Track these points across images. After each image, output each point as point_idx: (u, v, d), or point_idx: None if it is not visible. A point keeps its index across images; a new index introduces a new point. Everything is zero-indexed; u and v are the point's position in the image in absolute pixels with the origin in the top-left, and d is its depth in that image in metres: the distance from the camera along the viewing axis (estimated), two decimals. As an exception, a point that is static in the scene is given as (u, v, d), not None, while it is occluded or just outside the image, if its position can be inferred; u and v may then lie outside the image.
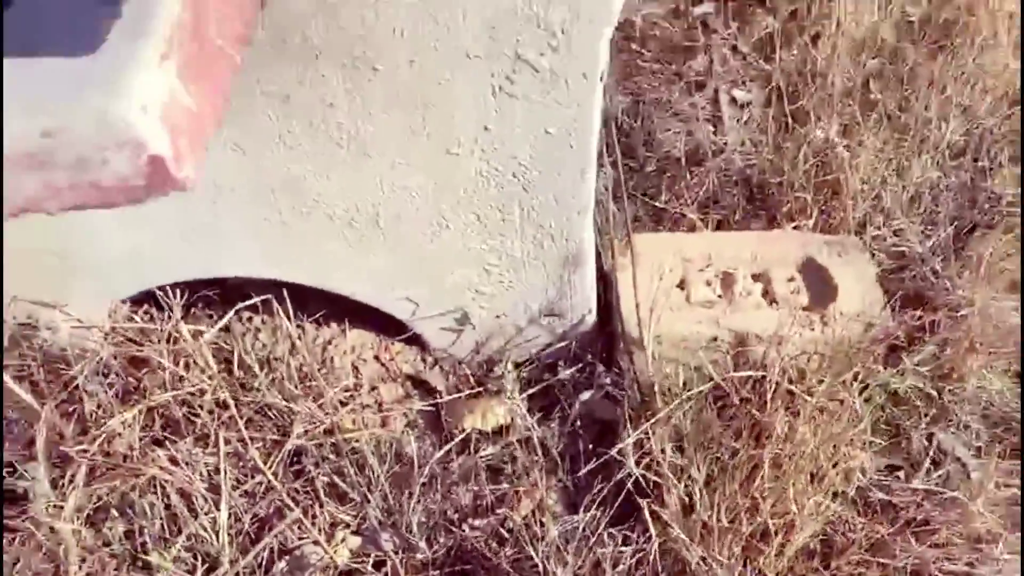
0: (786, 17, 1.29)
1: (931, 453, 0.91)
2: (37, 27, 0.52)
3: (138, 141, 0.46)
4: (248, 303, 0.90)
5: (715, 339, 0.90)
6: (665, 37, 1.31)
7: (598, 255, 0.94)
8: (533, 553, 0.79)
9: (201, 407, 0.88)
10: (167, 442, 0.86)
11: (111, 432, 0.83)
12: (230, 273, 0.87)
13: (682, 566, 0.80)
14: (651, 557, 0.80)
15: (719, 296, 0.94)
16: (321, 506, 0.86)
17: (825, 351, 0.90)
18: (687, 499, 0.81)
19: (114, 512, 0.84)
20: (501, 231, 0.80)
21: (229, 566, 0.81)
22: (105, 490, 0.85)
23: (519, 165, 0.74)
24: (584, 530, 0.82)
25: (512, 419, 0.87)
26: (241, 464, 0.87)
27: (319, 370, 0.93)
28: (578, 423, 0.90)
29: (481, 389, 0.93)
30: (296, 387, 0.89)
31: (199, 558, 0.83)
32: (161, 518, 0.84)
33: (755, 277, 0.96)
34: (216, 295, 0.96)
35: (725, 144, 1.15)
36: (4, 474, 0.85)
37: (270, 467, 0.85)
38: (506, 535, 0.84)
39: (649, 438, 0.82)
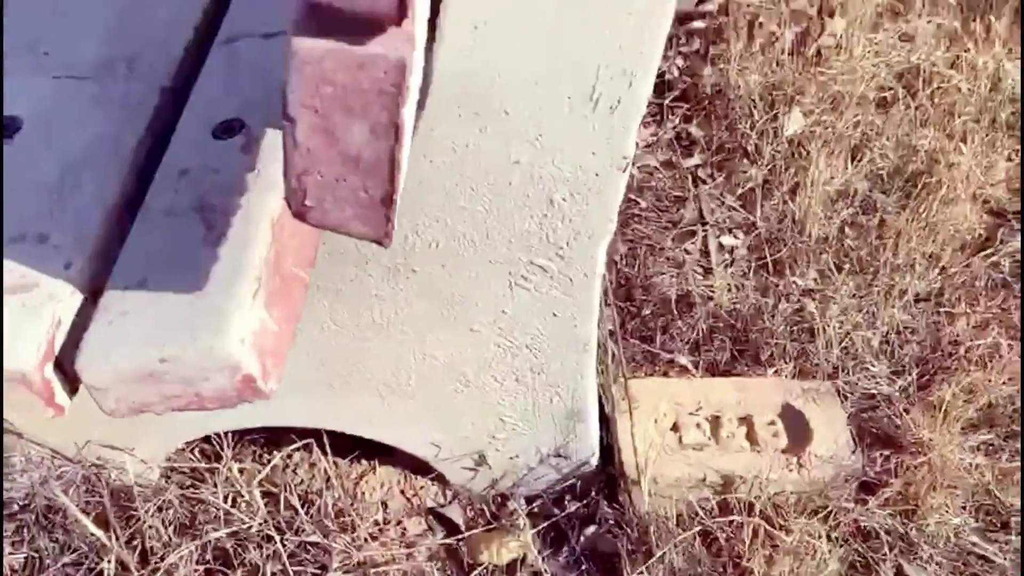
0: (767, 171, 1.44)
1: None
2: (152, 263, 0.64)
3: (235, 366, 0.58)
4: (294, 447, 1.03)
5: (704, 479, 1.02)
6: (659, 187, 1.45)
7: (600, 398, 1.05)
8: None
9: (249, 540, 0.99)
10: (219, 574, 0.97)
11: (171, 567, 0.94)
12: (280, 423, 0.99)
13: None
14: None
15: (708, 438, 1.06)
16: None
17: (801, 490, 1.01)
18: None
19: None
20: (515, 390, 0.92)
21: None
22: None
23: (531, 340, 0.87)
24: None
25: (524, 555, 0.98)
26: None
27: (351, 505, 1.04)
28: (583, 556, 1.00)
29: (495, 525, 1.04)
30: (332, 523, 1.00)
31: None
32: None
33: (740, 420, 1.08)
34: (261, 436, 1.08)
35: (713, 290, 1.28)
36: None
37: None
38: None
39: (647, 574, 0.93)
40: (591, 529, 1.02)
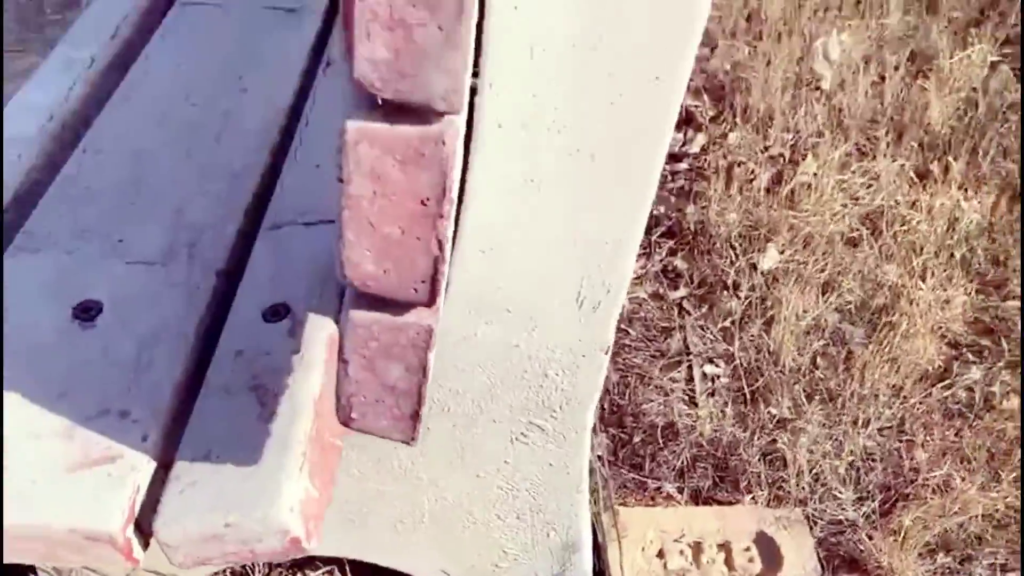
0: (745, 304, 1.57)
1: None
2: (214, 436, 0.77)
3: (285, 530, 0.70)
4: (319, 572, 1.14)
5: (686, 603, 1.13)
6: (648, 318, 1.59)
7: (593, 526, 1.17)
8: None
9: (276, 659, 1.10)
10: None
11: None
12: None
13: None
14: None
15: (691, 564, 1.17)
16: None
17: (774, 613, 1.12)
18: None
19: None
20: (517, 526, 1.04)
21: None
22: None
23: (530, 484, 0.99)
24: None
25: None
26: None
27: (368, 625, 1.15)
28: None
29: (500, 645, 1.14)
30: (352, 643, 1.10)
31: None
32: None
33: (719, 547, 1.19)
34: (288, 561, 1.19)
35: (697, 419, 1.40)
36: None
37: None
38: None
39: None
40: (585, 648, 1.12)
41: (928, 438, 1.36)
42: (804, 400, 1.40)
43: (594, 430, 1.24)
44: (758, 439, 1.35)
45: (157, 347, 0.85)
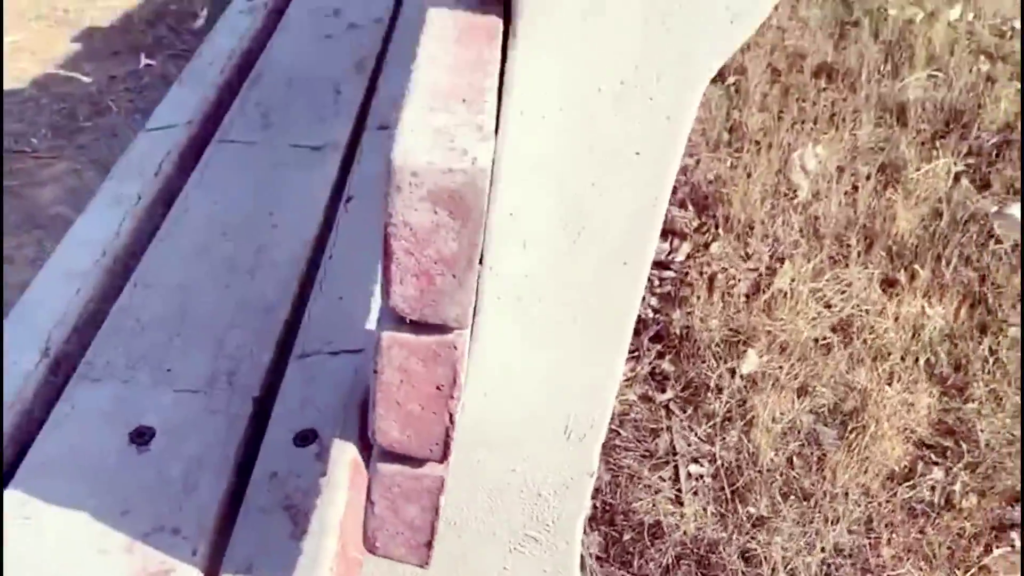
0: (727, 406, 1.70)
1: None
2: (253, 553, 0.90)
3: (316, 636, 0.83)
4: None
5: None
6: (638, 419, 1.72)
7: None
8: None
9: None
10: None
11: None
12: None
13: None
14: None
15: (673, 656, 1.28)
16: None
17: None
18: None
19: None
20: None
21: None
22: None
23: (528, 585, 1.11)
24: None
25: None
26: None
27: None
28: None
29: None
30: None
31: None
32: None
33: (700, 641, 1.30)
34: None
35: (682, 517, 1.52)
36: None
37: None
38: None
39: None
40: None
41: (893, 535, 1.47)
42: (780, 499, 1.52)
43: (587, 529, 1.36)
44: (737, 537, 1.46)
45: (202, 470, 0.98)
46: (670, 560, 1.44)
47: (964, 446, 1.60)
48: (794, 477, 1.57)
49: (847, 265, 1.98)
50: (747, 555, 1.44)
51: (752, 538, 1.46)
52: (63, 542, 0.89)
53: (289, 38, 1.80)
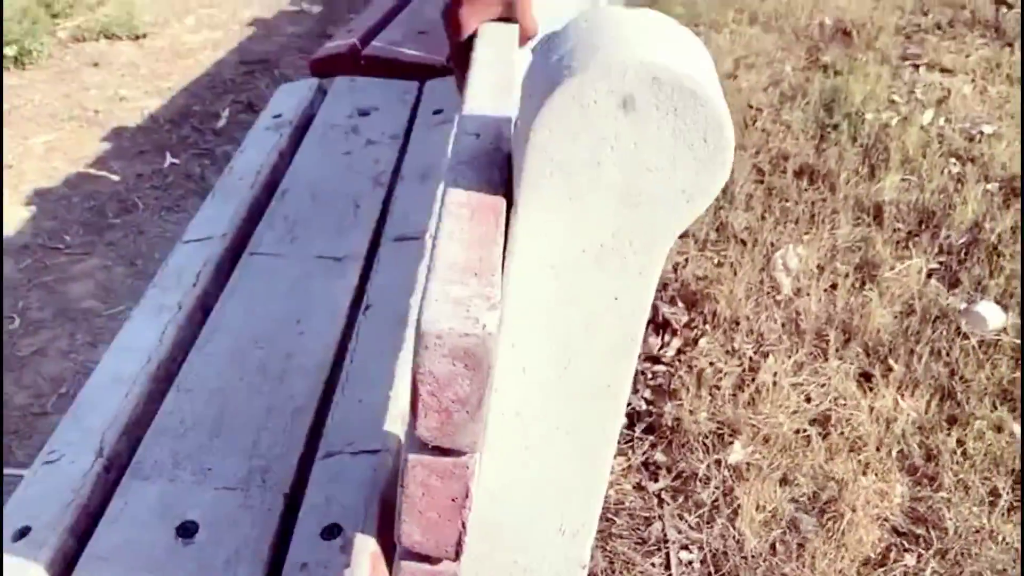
0: (715, 495, 1.82)
1: None
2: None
3: None
4: None
5: None
6: (632, 507, 1.83)
7: None
8: None
9: None
10: None
11: None
12: None
13: None
14: None
15: None
16: None
17: None
18: None
19: None
20: None
21: None
22: None
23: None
24: None
25: None
26: None
27: None
28: None
29: None
30: None
31: None
32: None
33: None
34: None
35: (672, 601, 1.63)
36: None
37: None
38: None
39: None
40: None
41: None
42: (764, 587, 1.64)
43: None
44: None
45: (240, 562, 1.10)
46: (661, 642, 1.55)
47: (934, 533, 1.71)
48: (776, 564, 1.68)
49: (826, 359, 2.12)
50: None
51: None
52: (122, 627, 1.01)
53: (312, 154, 1.98)
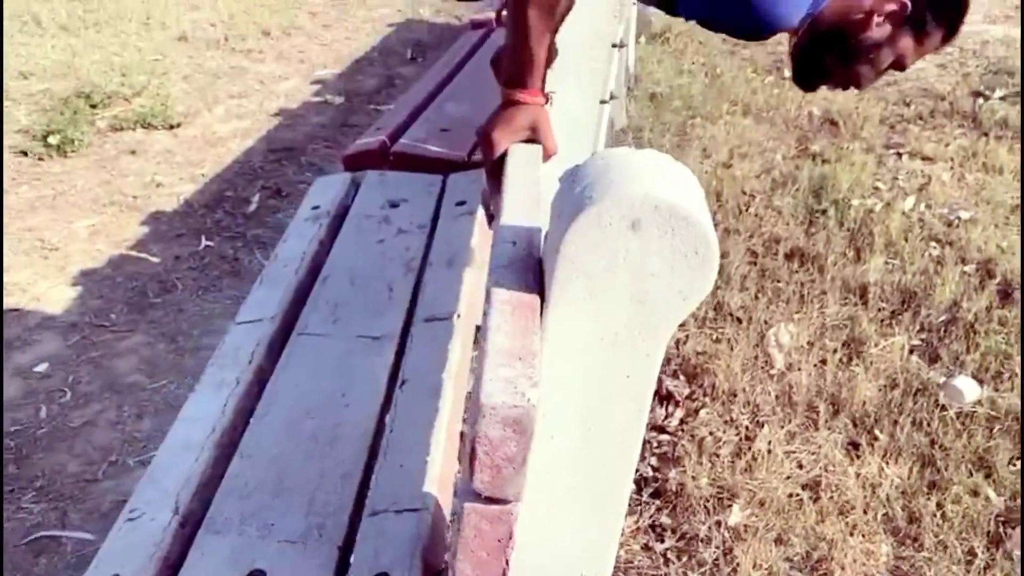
0: (716, 555, 1.98)
1: None
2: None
3: None
4: None
5: None
6: (640, 567, 1.99)
7: None
8: None
9: None
10: None
11: None
12: None
13: None
14: None
15: None
16: None
17: None
18: None
19: None
20: None
21: None
22: None
23: None
24: None
25: None
26: None
27: None
28: None
29: None
30: None
31: None
32: None
33: None
34: None
35: (677, 651, 1.77)
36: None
37: None
38: None
39: None
40: None
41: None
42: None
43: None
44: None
45: (302, 605, 1.27)
46: None
47: (916, 590, 1.86)
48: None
49: (817, 429, 2.29)
50: None
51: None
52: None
53: (349, 243, 2.20)
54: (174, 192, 3.79)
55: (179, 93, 4.70)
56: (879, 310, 2.75)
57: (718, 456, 2.19)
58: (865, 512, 2.03)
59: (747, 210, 3.33)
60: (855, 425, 2.30)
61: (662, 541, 2.02)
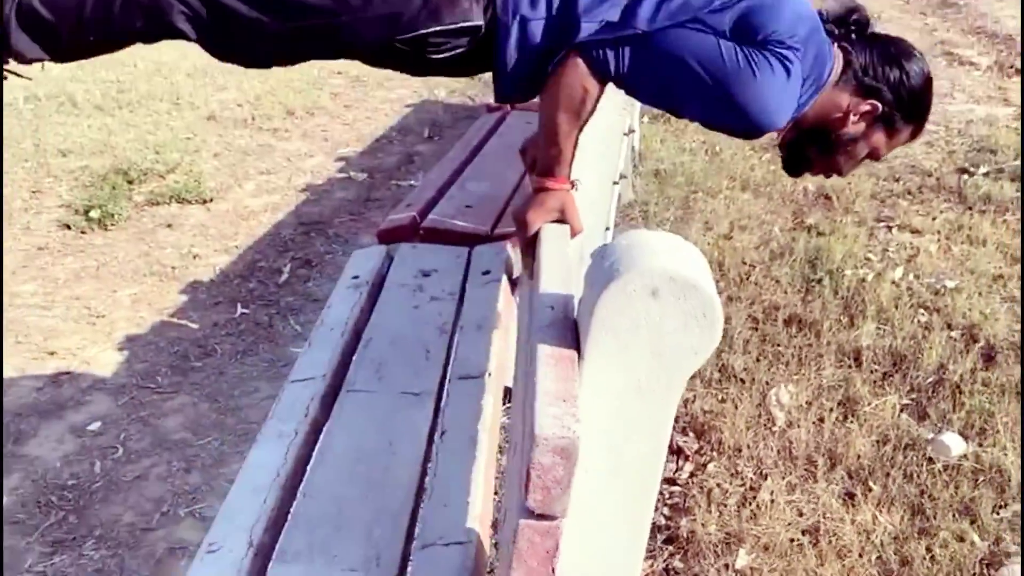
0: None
1: None
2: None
3: None
4: None
5: None
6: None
7: None
8: None
9: None
10: None
11: None
12: None
13: None
14: None
15: None
16: None
17: None
18: None
19: None
20: None
21: None
22: None
23: None
24: None
25: None
26: None
27: None
28: None
29: None
30: None
31: None
32: None
33: None
34: None
35: None
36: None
37: None
38: None
39: None
40: None
41: None
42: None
43: None
44: None
45: (365, 623, 1.46)
46: None
47: (909, 626, 2.03)
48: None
49: (815, 481, 2.48)
50: None
51: None
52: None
53: (387, 308, 2.43)
54: (210, 263, 4.03)
55: (211, 169, 4.98)
56: (872, 372, 2.96)
57: (725, 505, 2.37)
58: (861, 556, 2.21)
59: (748, 279, 3.57)
60: (851, 477, 2.49)
61: (676, 583, 2.20)
